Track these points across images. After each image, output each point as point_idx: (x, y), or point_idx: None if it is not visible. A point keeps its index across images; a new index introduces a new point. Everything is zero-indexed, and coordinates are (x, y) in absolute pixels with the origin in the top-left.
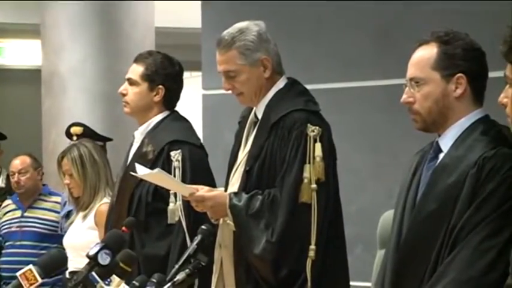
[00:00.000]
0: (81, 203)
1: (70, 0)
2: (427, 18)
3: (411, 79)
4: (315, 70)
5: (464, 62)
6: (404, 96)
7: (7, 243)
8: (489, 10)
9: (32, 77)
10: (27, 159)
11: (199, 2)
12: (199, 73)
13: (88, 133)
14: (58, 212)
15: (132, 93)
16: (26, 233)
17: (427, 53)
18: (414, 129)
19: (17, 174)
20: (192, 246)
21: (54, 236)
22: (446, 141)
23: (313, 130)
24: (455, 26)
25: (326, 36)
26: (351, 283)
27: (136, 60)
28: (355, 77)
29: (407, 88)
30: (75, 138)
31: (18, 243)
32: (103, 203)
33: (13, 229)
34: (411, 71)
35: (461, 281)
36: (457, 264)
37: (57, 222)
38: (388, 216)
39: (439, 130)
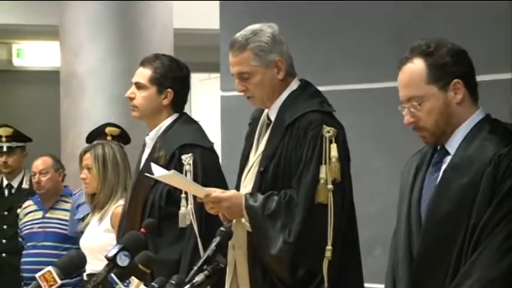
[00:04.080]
0: (97, 201)
1: (89, 0)
2: (445, 19)
3: (409, 99)
4: (334, 71)
5: (456, 67)
6: (406, 118)
7: (29, 244)
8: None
9: (50, 78)
10: (48, 160)
11: (218, 3)
12: (218, 74)
13: (124, 136)
14: None
15: (140, 97)
16: (48, 234)
17: (415, 69)
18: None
19: (37, 175)
20: (210, 247)
21: (76, 237)
22: (452, 145)
23: (328, 131)
24: (469, 27)
25: (345, 37)
26: (371, 285)
27: (143, 63)
28: (374, 78)
29: (406, 110)
30: (109, 138)
31: (40, 244)
32: (119, 205)
33: (35, 230)
34: (406, 91)
35: (488, 280)
36: (481, 263)
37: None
38: None
39: (448, 139)
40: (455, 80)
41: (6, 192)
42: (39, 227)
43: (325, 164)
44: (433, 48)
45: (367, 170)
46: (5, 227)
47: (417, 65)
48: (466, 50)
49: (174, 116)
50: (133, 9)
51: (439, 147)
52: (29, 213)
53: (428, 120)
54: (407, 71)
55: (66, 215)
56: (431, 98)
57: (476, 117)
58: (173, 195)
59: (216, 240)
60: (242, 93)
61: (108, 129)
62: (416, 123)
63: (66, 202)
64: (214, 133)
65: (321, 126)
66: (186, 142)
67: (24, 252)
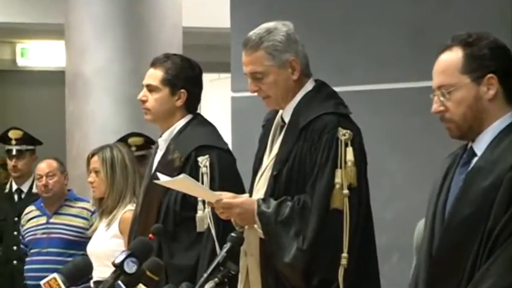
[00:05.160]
0: (105, 206)
1: None
2: (464, 17)
3: (440, 87)
4: (349, 71)
5: (493, 61)
6: (434, 105)
7: (32, 251)
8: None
9: (55, 79)
10: (53, 163)
11: (229, 1)
12: (228, 74)
13: (149, 143)
14: (85, 218)
15: (153, 99)
16: (53, 239)
17: (452, 57)
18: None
19: (44, 177)
20: (221, 254)
21: (81, 243)
22: (480, 145)
23: (344, 134)
24: (492, 25)
25: (360, 36)
26: None
27: (154, 64)
28: (390, 79)
29: (436, 98)
30: (134, 148)
31: (45, 250)
32: (127, 210)
33: (38, 236)
34: (439, 79)
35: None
36: (495, 270)
37: (84, 228)
38: (424, 223)
39: (476, 136)
40: (490, 75)
41: (15, 197)
42: (44, 233)
43: (341, 168)
44: (474, 39)
45: (383, 173)
46: (15, 233)
47: (455, 53)
48: (508, 47)
49: (188, 117)
50: (141, 7)
51: (468, 147)
52: (31, 219)
53: (457, 111)
54: (444, 58)
55: (71, 220)
56: (462, 88)
57: (507, 118)
58: (188, 199)
59: (227, 246)
60: (254, 94)
61: (131, 140)
62: (444, 113)
63: (70, 207)
64: (224, 135)
65: (337, 129)
66: (202, 143)
67: (27, 259)
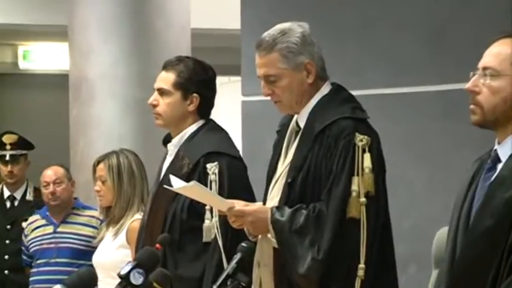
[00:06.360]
0: (112, 216)
1: None
2: (485, 18)
3: (485, 68)
4: (364, 74)
5: None
6: (470, 83)
7: (39, 261)
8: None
9: (59, 82)
10: (60, 170)
11: (239, 2)
12: (239, 78)
13: None
14: (94, 227)
15: (164, 103)
16: (62, 249)
17: (510, 47)
18: (472, 124)
19: (52, 185)
20: (231, 265)
21: (91, 253)
22: (505, 151)
23: (361, 139)
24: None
25: (375, 38)
26: None
27: (166, 67)
28: (408, 82)
29: (476, 76)
30: None
31: (53, 260)
32: (135, 219)
33: (45, 246)
34: (488, 59)
35: None
36: None
37: (93, 237)
38: (443, 232)
39: (498, 129)
40: None
41: (8, 204)
42: (51, 243)
43: (358, 175)
44: None
45: (400, 181)
46: (7, 241)
47: None
48: None
49: (200, 123)
50: (148, 7)
51: (492, 153)
52: (37, 229)
53: (489, 98)
54: (503, 44)
55: (80, 229)
56: (505, 79)
57: None
58: (196, 208)
59: (237, 256)
60: (266, 98)
61: None
62: (476, 95)
63: (78, 215)
64: (234, 141)
65: (353, 134)
66: (211, 150)
67: (33, 270)
